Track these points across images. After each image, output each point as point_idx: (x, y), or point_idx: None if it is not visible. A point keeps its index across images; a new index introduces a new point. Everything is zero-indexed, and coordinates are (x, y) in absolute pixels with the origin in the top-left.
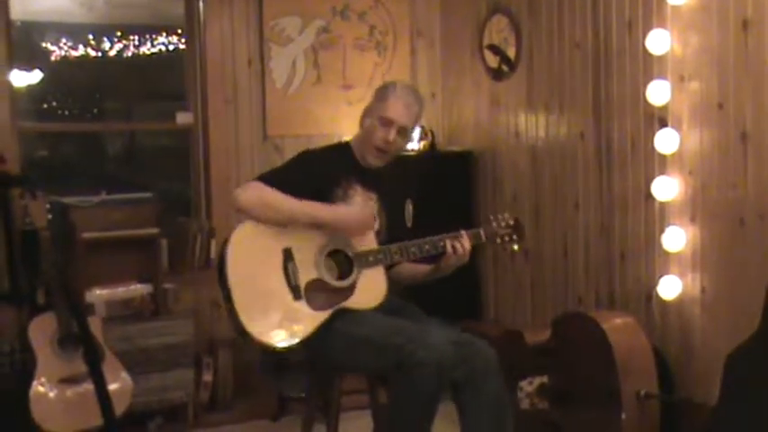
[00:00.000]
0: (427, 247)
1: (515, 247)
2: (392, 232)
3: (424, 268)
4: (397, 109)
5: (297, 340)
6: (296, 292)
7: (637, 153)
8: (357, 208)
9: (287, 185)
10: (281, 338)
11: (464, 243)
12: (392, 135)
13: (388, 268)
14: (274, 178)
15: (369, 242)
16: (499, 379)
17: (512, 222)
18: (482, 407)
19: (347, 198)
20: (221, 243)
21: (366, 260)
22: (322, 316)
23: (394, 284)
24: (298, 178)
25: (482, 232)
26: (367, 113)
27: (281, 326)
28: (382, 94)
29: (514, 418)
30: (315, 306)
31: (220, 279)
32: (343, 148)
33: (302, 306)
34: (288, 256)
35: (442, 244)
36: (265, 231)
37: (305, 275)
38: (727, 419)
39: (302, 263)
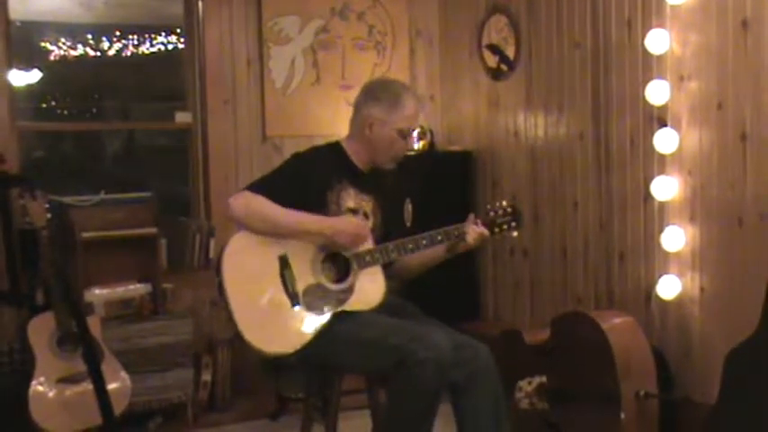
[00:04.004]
0: (425, 242)
1: (514, 234)
2: (387, 229)
3: (434, 254)
4: (416, 118)
5: (298, 347)
6: (294, 298)
7: (636, 153)
8: (349, 220)
9: (278, 193)
10: (282, 346)
11: (476, 228)
12: (412, 142)
13: (387, 266)
14: (265, 186)
15: (366, 242)
16: (497, 381)
17: (510, 210)
18: (479, 409)
19: (340, 200)
20: (218, 252)
21: (363, 260)
22: (322, 320)
23: (398, 279)
24: (288, 185)
25: (480, 223)
26: (378, 123)
27: (282, 334)
28: (394, 101)
29: (512, 420)
30: (314, 311)
31: (219, 291)
32: (334, 150)
33: (301, 312)
34: (284, 263)
35: (439, 238)
36: (260, 240)
37: (302, 281)
38: (727, 418)
39: (299, 269)
